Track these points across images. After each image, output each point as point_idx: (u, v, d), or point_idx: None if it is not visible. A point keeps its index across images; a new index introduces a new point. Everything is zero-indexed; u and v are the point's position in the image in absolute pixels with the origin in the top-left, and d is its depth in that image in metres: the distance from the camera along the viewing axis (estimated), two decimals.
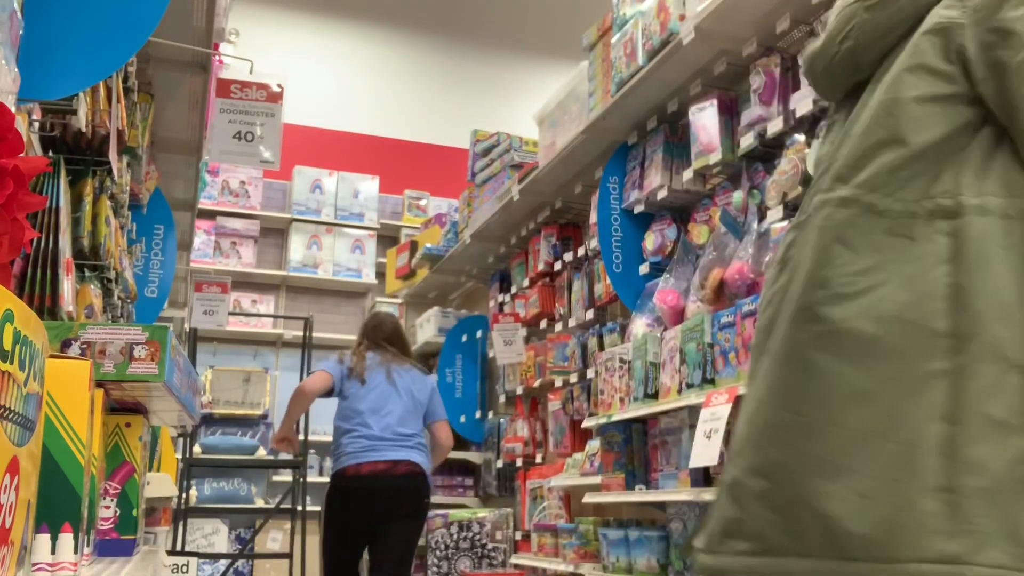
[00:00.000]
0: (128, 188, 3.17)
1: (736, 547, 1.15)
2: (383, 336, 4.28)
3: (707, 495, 2.85)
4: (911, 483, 1.03)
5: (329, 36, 9.49)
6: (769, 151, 3.12)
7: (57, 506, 1.15)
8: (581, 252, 4.52)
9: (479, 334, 6.01)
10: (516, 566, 4.67)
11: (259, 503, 7.16)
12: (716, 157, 3.26)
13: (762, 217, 3.04)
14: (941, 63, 1.15)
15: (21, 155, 1.01)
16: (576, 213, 4.75)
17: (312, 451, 6.96)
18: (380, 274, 8.42)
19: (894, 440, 1.05)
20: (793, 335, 1.16)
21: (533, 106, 4.93)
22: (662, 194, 3.61)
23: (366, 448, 3.89)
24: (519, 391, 5.17)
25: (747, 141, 3.13)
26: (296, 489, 6.13)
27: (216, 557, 6.80)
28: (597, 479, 3.61)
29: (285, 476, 7.64)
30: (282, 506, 6.36)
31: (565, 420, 4.52)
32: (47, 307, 1.95)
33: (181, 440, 6.02)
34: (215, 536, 6.95)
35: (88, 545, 1.33)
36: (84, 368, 1.22)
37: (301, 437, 6.21)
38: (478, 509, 5.39)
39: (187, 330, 5.91)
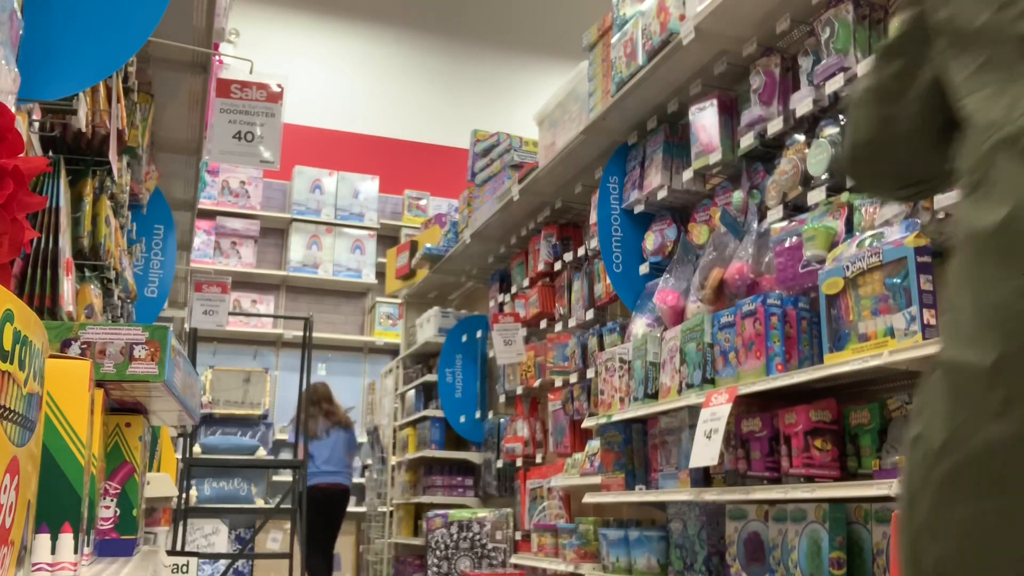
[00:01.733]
0: (128, 188, 3.17)
1: None
2: (324, 400, 7.20)
3: (707, 495, 2.85)
4: None
5: (329, 36, 9.49)
6: (769, 151, 3.12)
7: (57, 506, 1.15)
8: (581, 252, 4.52)
9: (479, 334, 6.00)
10: (516, 566, 4.67)
11: (259, 503, 7.16)
12: (716, 157, 3.26)
13: (762, 217, 3.04)
14: None
15: (21, 155, 1.01)
16: (576, 213, 4.75)
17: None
18: (380, 274, 8.42)
19: None
20: None
21: (533, 106, 4.93)
22: (662, 194, 3.61)
23: (322, 474, 6.86)
24: (519, 391, 5.17)
25: (747, 141, 3.13)
26: (296, 489, 6.13)
27: (216, 557, 6.80)
28: (597, 479, 3.61)
29: (285, 476, 7.64)
30: (282, 506, 6.36)
31: (565, 420, 4.52)
32: (47, 307, 1.95)
33: (181, 440, 6.02)
34: (215, 536, 6.95)
35: (88, 545, 1.32)
36: (84, 368, 1.22)
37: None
38: (478, 509, 5.39)
39: (187, 330, 5.91)
